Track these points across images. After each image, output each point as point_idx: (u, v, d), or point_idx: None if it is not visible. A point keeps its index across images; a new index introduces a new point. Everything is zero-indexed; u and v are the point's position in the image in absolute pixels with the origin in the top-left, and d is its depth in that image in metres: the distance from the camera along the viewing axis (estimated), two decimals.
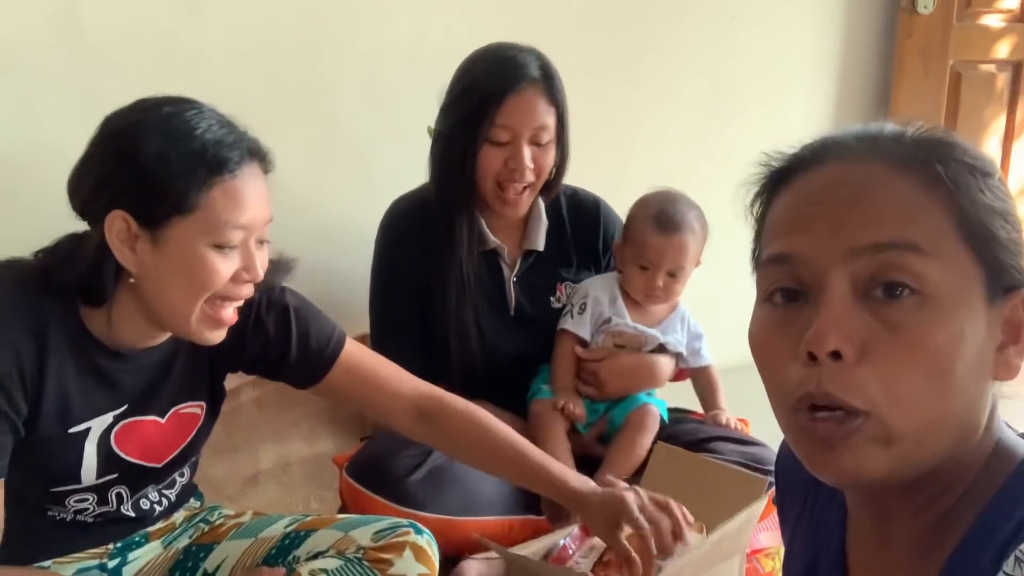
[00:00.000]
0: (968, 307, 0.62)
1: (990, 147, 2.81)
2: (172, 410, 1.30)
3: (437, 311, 1.73)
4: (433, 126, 1.74)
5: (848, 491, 0.73)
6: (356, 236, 1.93)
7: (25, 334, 1.13)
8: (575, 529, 1.48)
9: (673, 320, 1.84)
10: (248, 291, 1.19)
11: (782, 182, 0.69)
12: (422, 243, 1.73)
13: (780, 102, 2.59)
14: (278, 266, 1.32)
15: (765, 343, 0.67)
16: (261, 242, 1.20)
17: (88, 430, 1.22)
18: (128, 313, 1.19)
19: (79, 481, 1.23)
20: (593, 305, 1.80)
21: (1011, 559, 0.58)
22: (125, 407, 1.25)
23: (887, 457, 0.62)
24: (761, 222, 0.71)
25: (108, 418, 1.24)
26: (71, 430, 1.20)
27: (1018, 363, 0.66)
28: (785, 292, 0.66)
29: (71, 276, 1.15)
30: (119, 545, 1.34)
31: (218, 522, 1.43)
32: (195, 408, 1.34)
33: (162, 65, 1.82)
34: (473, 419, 1.40)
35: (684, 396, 1.95)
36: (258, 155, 1.18)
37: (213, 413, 1.37)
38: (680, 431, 1.80)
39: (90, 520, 1.29)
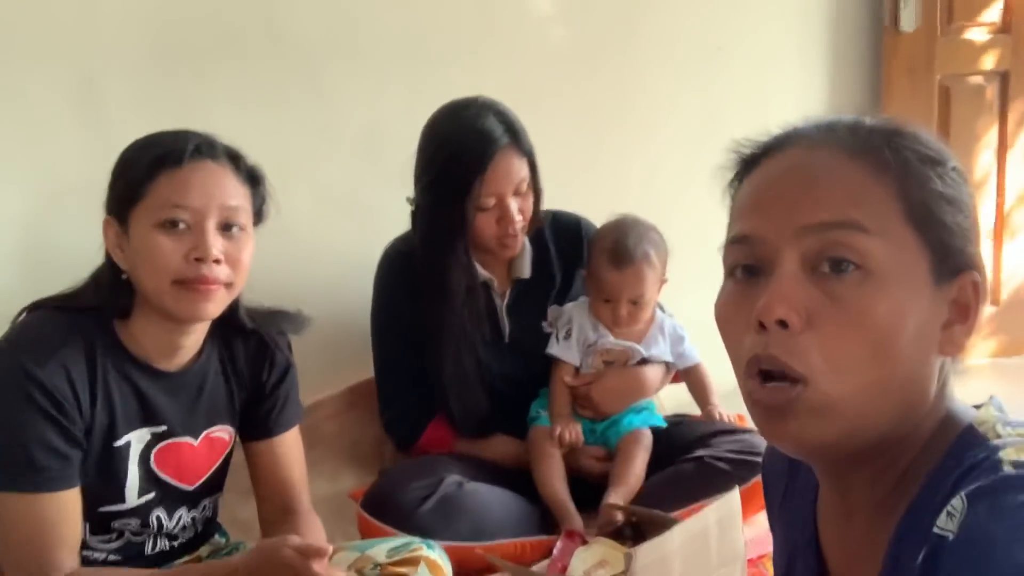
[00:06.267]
0: (911, 285, 0.66)
1: (984, 158, 2.83)
2: (204, 433, 1.42)
3: (435, 347, 1.82)
4: (413, 197, 1.83)
5: (812, 464, 0.76)
6: (360, 278, 2.02)
7: (75, 355, 1.27)
8: (559, 541, 1.54)
9: (653, 333, 1.90)
10: (211, 272, 1.27)
11: (750, 167, 0.75)
12: (416, 284, 1.82)
13: (772, 120, 2.64)
14: (296, 319, 1.48)
15: (726, 315, 0.72)
16: (227, 227, 1.30)
17: (128, 444, 1.33)
18: (143, 317, 1.32)
19: (124, 500, 1.34)
20: (578, 331, 1.88)
21: (943, 514, 0.61)
22: (164, 428, 1.36)
23: (827, 424, 0.66)
24: (732, 204, 0.76)
25: (146, 434, 1.35)
26: (115, 443, 1.32)
27: (963, 340, 0.69)
28: (745, 268, 0.71)
29: (96, 293, 1.31)
30: None
31: None
32: (224, 433, 1.45)
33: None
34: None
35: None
36: (209, 152, 1.31)
37: (236, 440, 1.48)
38: (676, 434, 1.88)
39: (121, 558, 1.38)
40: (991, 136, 2.83)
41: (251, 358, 1.46)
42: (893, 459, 0.70)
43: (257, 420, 1.49)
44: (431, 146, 1.79)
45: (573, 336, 1.89)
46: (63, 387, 1.24)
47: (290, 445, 1.52)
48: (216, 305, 1.30)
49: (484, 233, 1.77)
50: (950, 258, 0.68)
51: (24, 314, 1.33)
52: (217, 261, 1.27)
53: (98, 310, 1.31)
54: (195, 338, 1.38)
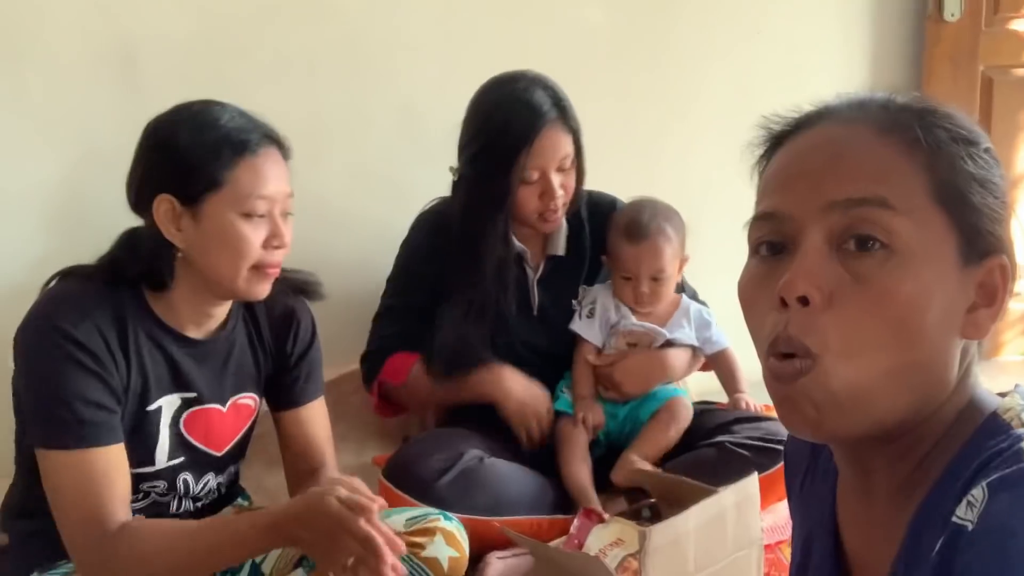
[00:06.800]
0: (937, 266, 0.65)
1: None
2: (232, 400, 1.45)
3: (450, 299, 1.84)
4: (456, 167, 1.84)
5: (833, 448, 0.76)
6: (392, 251, 2.04)
7: (107, 319, 1.30)
8: (576, 519, 1.56)
9: (678, 318, 1.90)
10: (279, 257, 1.36)
11: (779, 143, 0.74)
12: (446, 246, 1.84)
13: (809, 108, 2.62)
14: (311, 283, 1.51)
15: (749, 293, 0.71)
16: (285, 215, 1.36)
17: (160, 409, 1.37)
18: (186, 289, 1.35)
19: (153, 463, 1.37)
20: (601, 311, 1.89)
21: (963, 503, 0.60)
22: (194, 395, 1.40)
23: (842, 409, 0.65)
24: (759, 181, 0.75)
25: (177, 400, 1.38)
26: (148, 407, 1.35)
27: (988, 325, 0.68)
28: (770, 245, 0.70)
29: (136, 264, 1.33)
30: None
31: None
32: (250, 400, 1.48)
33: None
34: None
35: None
36: (275, 139, 1.36)
37: (260, 407, 1.51)
38: (700, 420, 1.88)
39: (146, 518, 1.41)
40: None
41: (275, 327, 1.50)
42: (914, 443, 0.69)
43: (283, 389, 1.53)
44: (478, 117, 1.80)
45: (596, 316, 1.90)
46: (99, 344, 1.27)
47: (316, 412, 1.56)
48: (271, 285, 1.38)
49: (526, 206, 1.78)
50: (979, 240, 0.67)
51: (54, 281, 1.36)
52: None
53: (131, 280, 1.34)
54: (224, 308, 1.43)
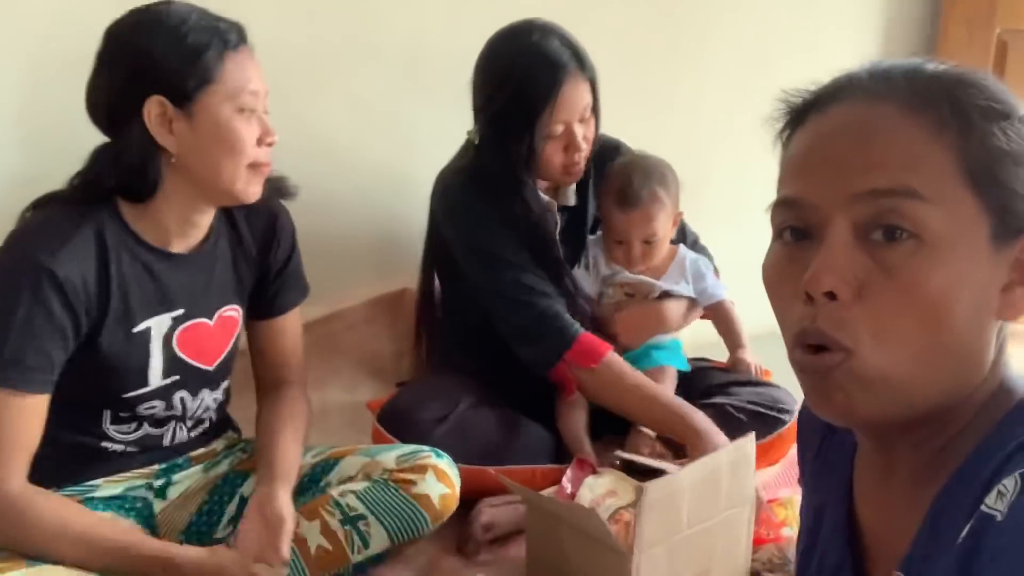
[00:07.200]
0: (968, 252, 0.63)
1: None
2: (218, 312, 1.43)
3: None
4: (474, 129, 1.77)
5: (855, 429, 0.75)
6: (392, 191, 2.00)
7: (86, 247, 1.26)
8: (569, 469, 1.56)
9: (673, 270, 1.89)
10: (270, 155, 1.34)
11: (800, 119, 0.71)
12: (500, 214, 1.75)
13: (821, 65, 2.58)
14: (284, 185, 1.46)
15: (775, 280, 0.70)
16: (265, 112, 1.33)
17: (149, 330, 1.34)
18: (173, 199, 1.31)
19: (147, 383, 1.35)
20: (594, 263, 1.89)
21: (994, 492, 0.59)
22: (182, 311, 1.38)
23: (875, 396, 0.64)
24: (781, 159, 0.72)
25: (167, 319, 1.36)
26: (134, 330, 1.32)
27: None
28: (794, 231, 0.68)
29: (119, 177, 1.28)
30: (164, 467, 1.45)
31: (255, 441, 1.53)
32: (234, 311, 1.46)
33: None
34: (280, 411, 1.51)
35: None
36: (245, 36, 1.32)
37: (243, 318, 1.49)
38: (696, 378, 1.88)
39: (138, 450, 1.40)
40: None
41: (258, 236, 1.47)
42: (942, 426, 0.68)
43: (263, 299, 1.50)
44: (496, 75, 1.72)
45: (591, 268, 1.89)
46: (75, 280, 1.23)
47: (290, 321, 1.54)
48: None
49: (551, 162, 1.73)
50: (1012, 219, 0.65)
51: (31, 211, 1.31)
52: None
53: (108, 196, 1.29)
54: (209, 217, 1.39)
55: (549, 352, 1.72)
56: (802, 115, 0.71)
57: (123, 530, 1.34)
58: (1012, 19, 2.68)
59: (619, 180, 1.82)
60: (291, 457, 1.44)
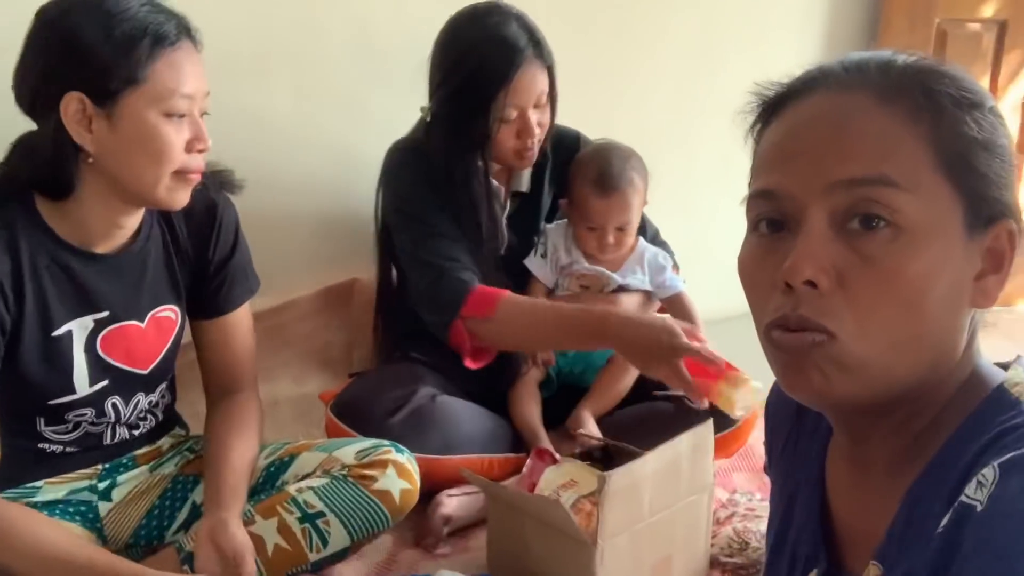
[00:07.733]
0: (944, 239, 0.64)
1: None
2: (150, 314, 1.36)
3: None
4: (427, 107, 1.75)
5: (828, 413, 0.75)
6: (344, 179, 1.95)
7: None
8: (529, 459, 1.56)
9: (631, 263, 1.89)
10: (202, 162, 1.26)
11: (774, 112, 0.71)
12: (439, 188, 1.74)
13: (768, 54, 2.60)
14: (230, 179, 1.40)
15: (750, 271, 0.70)
16: (202, 114, 1.26)
17: (70, 334, 1.28)
18: (93, 200, 1.24)
19: (74, 391, 1.29)
20: (552, 252, 1.88)
21: (973, 482, 0.59)
22: (106, 313, 1.31)
23: (852, 378, 0.64)
24: (754, 152, 0.73)
25: (88, 322, 1.29)
26: (53, 334, 1.26)
27: (996, 292, 0.67)
28: (770, 223, 0.68)
29: (32, 171, 1.21)
30: (107, 467, 1.40)
31: (203, 451, 1.49)
32: (170, 312, 1.40)
33: None
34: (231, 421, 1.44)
35: None
36: (190, 32, 1.24)
37: (183, 318, 1.43)
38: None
39: (79, 449, 1.35)
40: (983, 85, 2.80)
41: (194, 233, 1.40)
42: (915, 413, 0.69)
43: (205, 298, 1.44)
44: (452, 54, 1.70)
45: (548, 256, 1.88)
46: None
47: (239, 322, 1.48)
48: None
49: (503, 146, 1.72)
50: (985, 207, 0.66)
51: None
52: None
53: (21, 192, 1.22)
54: (136, 218, 1.32)
55: (445, 311, 1.68)
56: (775, 108, 0.71)
57: (77, 545, 1.26)
58: (951, 9, 2.74)
59: (597, 165, 1.81)
60: (241, 474, 1.38)
